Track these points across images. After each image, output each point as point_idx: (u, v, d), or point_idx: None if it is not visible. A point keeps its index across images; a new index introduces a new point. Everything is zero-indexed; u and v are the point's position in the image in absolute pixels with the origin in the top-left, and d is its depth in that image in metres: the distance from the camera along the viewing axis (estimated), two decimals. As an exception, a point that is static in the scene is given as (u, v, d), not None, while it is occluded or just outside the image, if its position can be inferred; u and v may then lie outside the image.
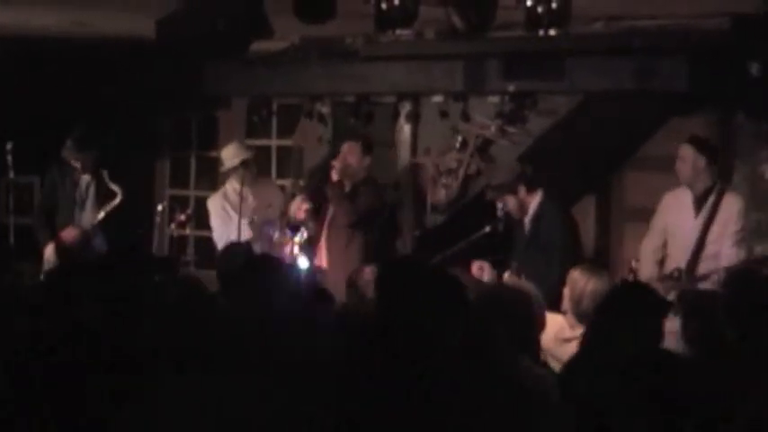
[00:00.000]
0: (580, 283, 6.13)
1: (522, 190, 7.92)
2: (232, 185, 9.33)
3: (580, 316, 6.03)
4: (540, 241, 7.84)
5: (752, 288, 5.18)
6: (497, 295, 5.23)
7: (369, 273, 6.33)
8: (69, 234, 8.61)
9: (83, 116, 9.40)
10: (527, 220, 7.98)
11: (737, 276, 5.71)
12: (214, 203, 9.43)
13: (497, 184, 8.11)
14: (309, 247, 8.95)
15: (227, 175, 9.44)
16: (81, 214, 9.15)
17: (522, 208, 7.94)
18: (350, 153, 8.90)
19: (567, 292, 6.18)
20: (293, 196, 9.30)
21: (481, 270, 7.47)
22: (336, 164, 8.83)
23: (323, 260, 8.84)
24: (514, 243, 8.09)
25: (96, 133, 9.21)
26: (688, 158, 7.71)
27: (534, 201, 7.95)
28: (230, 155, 9.30)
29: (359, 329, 4.09)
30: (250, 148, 9.58)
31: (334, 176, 8.83)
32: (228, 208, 9.29)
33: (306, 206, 8.95)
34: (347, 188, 8.84)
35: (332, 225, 8.91)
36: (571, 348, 5.54)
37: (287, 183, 10.10)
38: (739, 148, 8.89)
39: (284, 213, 9.11)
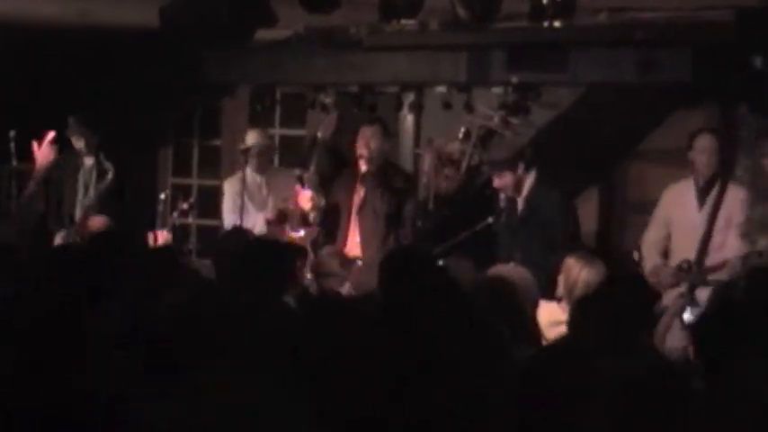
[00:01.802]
0: (574, 270, 6.18)
1: (520, 167, 7.94)
2: (252, 172, 9.19)
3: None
4: (534, 223, 7.85)
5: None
6: (487, 283, 5.26)
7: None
8: (96, 222, 8.60)
9: (85, 104, 9.40)
10: (520, 200, 8.00)
11: (757, 275, 5.68)
12: (231, 186, 9.27)
13: (498, 159, 8.15)
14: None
15: (244, 158, 9.28)
16: (84, 200, 9.11)
17: (518, 186, 7.96)
18: (373, 138, 8.76)
19: (561, 279, 6.21)
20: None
21: None
22: (363, 152, 8.62)
23: (353, 250, 8.59)
24: (501, 224, 8.08)
25: (97, 113, 9.20)
26: (713, 149, 7.71)
27: (528, 181, 7.96)
28: (248, 138, 9.22)
29: (362, 317, 4.09)
30: (267, 138, 9.45)
31: (365, 166, 8.65)
32: (245, 194, 9.13)
33: (309, 195, 8.80)
34: (379, 176, 8.65)
35: (364, 216, 8.71)
36: (562, 330, 5.61)
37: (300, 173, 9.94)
38: (742, 141, 8.89)
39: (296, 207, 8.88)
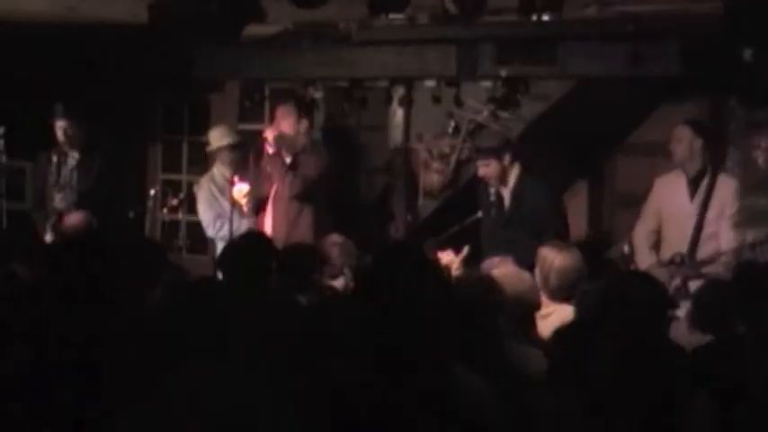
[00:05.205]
0: (548, 259, 6.07)
1: (506, 157, 7.90)
2: (219, 170, 9.24)
3: (550, 293, 5.98)
4: (521, 216, 7.81)
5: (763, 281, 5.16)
6: (492, 282, 5.23)
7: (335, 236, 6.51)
8: (72, 219, 8.55)
9: (74, 100, 9.37)
10: (506, 193, 7.96)
11: (748, 269, 5.68)
12: (201, 187, 9.32)
13: (485, 146, 8.10)
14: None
15: (213, 157, 9.36)
16: (62, 195, 8.97)
17: (503, 177, 7.92)
18: (283, 119, 8.63)
19: (537, 270, 6.11)
20: None
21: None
22: (270, 133, 8.56)
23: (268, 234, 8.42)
24: (490, 219, 8.04)
25: (85, 104, 9.14)
26: (685, 139, 7.77)
27: (514, 173, 7.93)
28: (217, 137, 9.24)
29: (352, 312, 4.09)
30: (239, 134, 9.48)
31: (271, 148, 8.55)
32: (216, 192, 9.17)
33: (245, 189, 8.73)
34: (287, 159, 8.56)
35: (277, 199, 8.65)
36: (548, 323, 5.55)
37: None
38: (732, 133, 8.90)
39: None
